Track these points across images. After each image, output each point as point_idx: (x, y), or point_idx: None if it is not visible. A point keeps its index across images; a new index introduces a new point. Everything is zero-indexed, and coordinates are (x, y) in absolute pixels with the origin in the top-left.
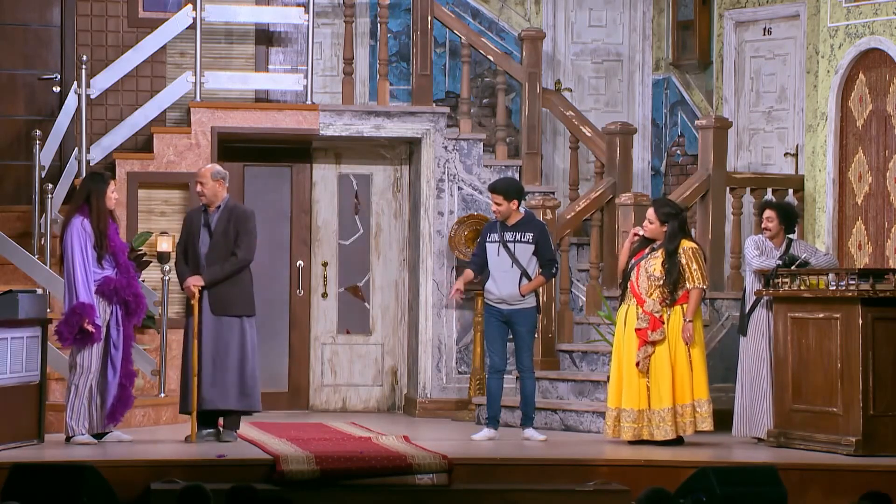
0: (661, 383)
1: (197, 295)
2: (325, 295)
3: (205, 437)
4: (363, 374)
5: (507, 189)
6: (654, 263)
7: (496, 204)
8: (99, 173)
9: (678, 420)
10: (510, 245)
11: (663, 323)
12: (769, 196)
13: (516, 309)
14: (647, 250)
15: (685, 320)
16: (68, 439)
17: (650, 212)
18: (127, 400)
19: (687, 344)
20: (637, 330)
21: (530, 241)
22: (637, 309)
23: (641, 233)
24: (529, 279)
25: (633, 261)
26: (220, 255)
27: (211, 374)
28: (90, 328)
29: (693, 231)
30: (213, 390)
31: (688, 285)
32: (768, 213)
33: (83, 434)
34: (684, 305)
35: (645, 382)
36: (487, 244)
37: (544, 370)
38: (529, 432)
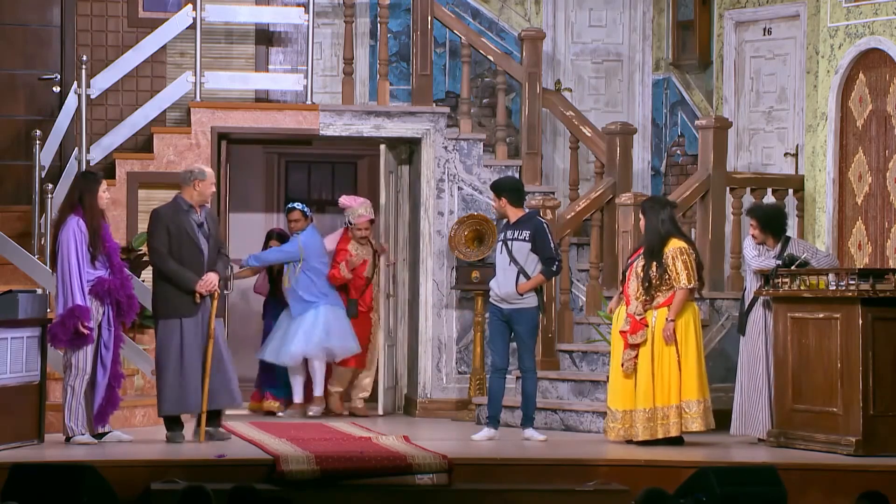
0: (642, 385)
1: (218, 294)
2: None
3: (178, 437)
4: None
5: (497, 187)
6: (642, 264)
7: (493, 200)
8: (90, 172)
9: (661, 421)
10: (509, 243)
11: (646, 325)
12: (769, 197)
13: (515, 308)
14: (641, 249)
15: (667, 320)
16: (68, 440)
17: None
18: (115, 401)
19: (667, 344)
20: (620, 332)
21: (526, 238)
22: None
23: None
24: (528, 278)
25: (628, 261)
26: (213, 257)
27: (217, 374)
28: (85, 330)
29: (693, 231)
30: (221, 391)
31: (675, 286)
32: (750, 220)
33: (83, 434)
34: (670, 307)
35: (632, 383)
36: (497, 243)
37: (544, 370)
38: (529, 432)
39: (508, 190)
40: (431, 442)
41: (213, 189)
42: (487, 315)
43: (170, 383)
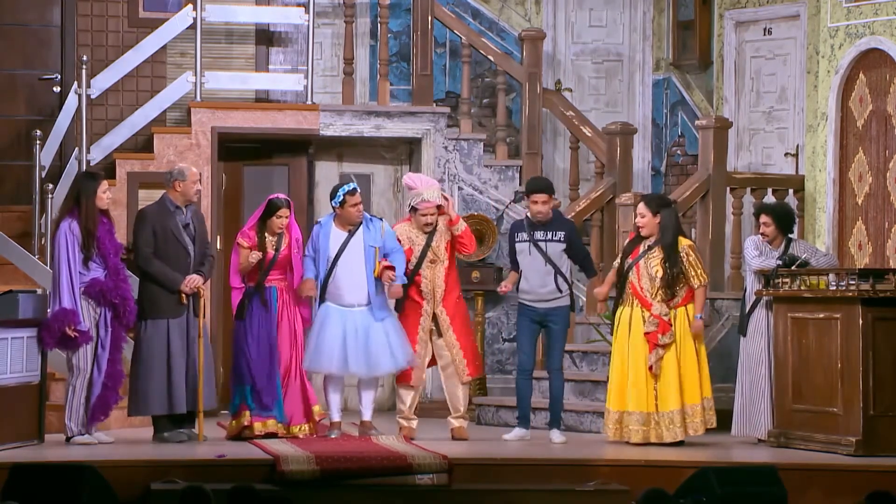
0: (670, 386)
1: (203, 294)
2: None
3: (177, 436)
4: None
5: (552, 186)
6: (654, 263)
7: (541, 203)
8: (90, 173)
9: (688, 420)
10: (541, 244)
11: (671, 325)
12: (769, 197)
13: (552, 307)
14: (642, 248)
15: (697, 317)
16: (68, 439)
17: (640, 206)
18: (108, 401)
19: (697, 340)
20: (647, 334)
21: (562, 239)
22: (644, 312)
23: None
24: (564, 277)
25: (629, 260)
26: (200, 257)
27: (194, 375)
28: (73, 334)
29: (693, 231)
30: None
31: (693, 283)
32: (764, 217)
33: (82, 434)
34: (688, 306)
35: (653, 385)
36: (517, 244)
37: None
38: (555, 434)
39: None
40: (431, 442)
41: (198, 187)
42: (518, 316)
43: (157, 384)
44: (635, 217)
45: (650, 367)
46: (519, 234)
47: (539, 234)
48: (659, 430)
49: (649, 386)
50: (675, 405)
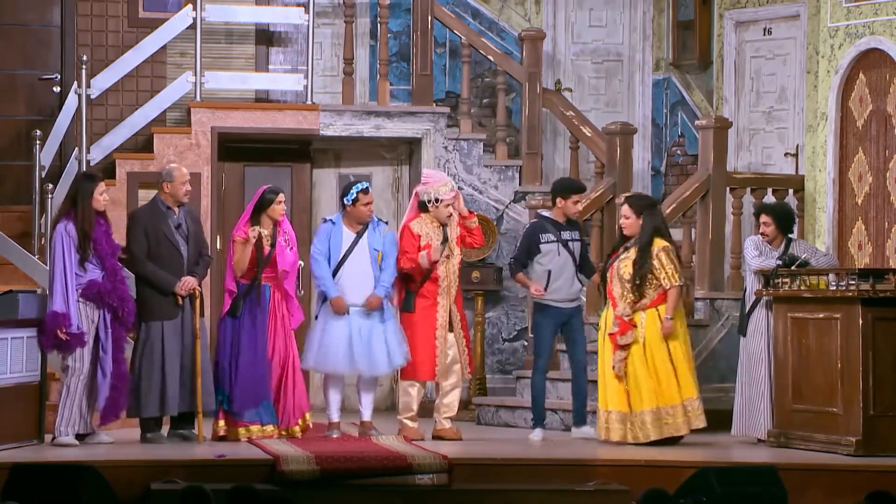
0: (641, 386)
1: (199, 294)
2: None
3: (174, 436)
4: None
5: (583, 188)
6: (625, 265)
7: (580, 202)
8: (88, 174)
9: (668, 421)
10: (569, 244)
11: (634, 326)
12: (769, 197)
13: (576, 306)
14: (621, 250)
15: (666, 318)
16: (52, 440)
17: (625, 208)
18: (118, 402)
19: (668, 339)
20: (610, 335)
21: (579, 237)
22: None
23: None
24: (578, 276)
25: (609, 261)
26: (194, 257)
27: (191, 376)
28: (64, 336)
29: (693, 231)
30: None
31: (665, 284)
32: (764, 217)
33: (67, 436)
34: (661, 307)
35: (623, 386)
36: (542, 245)
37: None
38: (586, 430)
39: None
40: (431, 442)
41: (187, 188)
42: (539, 317)
43: (152, 386)
44: (619, 217)
45: (613, 367)
46: (544, 234)
47: (566, 234)
48: (634, 430)
49: (621, 386)
50: (648, 405)
